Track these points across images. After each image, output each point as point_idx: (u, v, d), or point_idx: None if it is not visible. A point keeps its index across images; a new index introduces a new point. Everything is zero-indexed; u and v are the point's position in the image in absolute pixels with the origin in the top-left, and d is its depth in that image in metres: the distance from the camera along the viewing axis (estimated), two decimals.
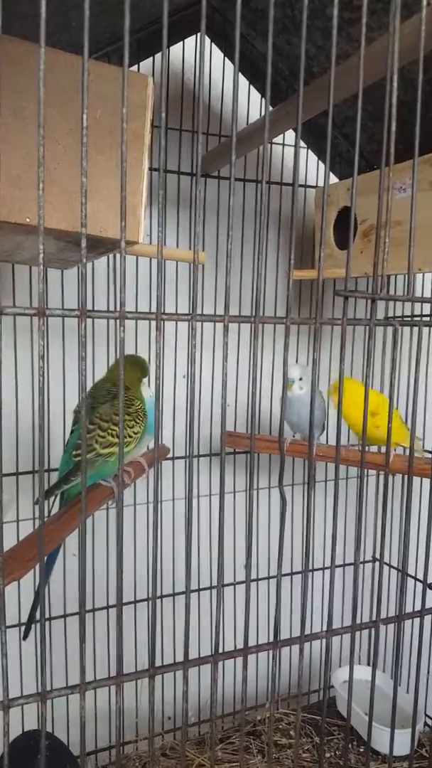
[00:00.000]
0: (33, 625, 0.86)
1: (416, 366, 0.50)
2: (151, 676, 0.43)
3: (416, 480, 1.24)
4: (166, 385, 1.17)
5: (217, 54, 1.11)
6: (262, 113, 1.15)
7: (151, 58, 1.01)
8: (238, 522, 1.29)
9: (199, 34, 1.10)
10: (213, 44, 1.11)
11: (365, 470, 0.61)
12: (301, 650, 0.49)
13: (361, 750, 1.17)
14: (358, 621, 0.51)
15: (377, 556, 1.43)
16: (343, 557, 1.40)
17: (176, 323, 1.16)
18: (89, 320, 0.38)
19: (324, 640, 0.50)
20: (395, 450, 1.06)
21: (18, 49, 0.51)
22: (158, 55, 1.02)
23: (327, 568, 1.37)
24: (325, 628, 0.50)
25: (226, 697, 1.33)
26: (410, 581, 1.24)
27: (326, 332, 1.32)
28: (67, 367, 1.07)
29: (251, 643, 0.47)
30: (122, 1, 0.36)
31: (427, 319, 1.18)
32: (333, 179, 1.21)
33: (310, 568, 1.37)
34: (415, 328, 1.30)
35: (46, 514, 0.83)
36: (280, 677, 1.37)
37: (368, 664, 1.38)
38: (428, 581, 0.54)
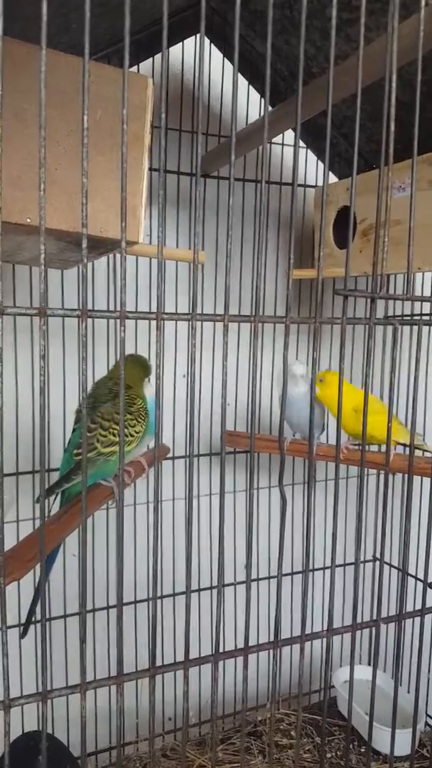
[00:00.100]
0: (33, 625, 0.86)
1: (416, 365, 0.51)
2: (151, 675, 0.43)
3: (416, 479, 1.24)
4: (166, 385, 1.17)
5: (217, 55, 1.11)
6: (262, 113, 1.16)
7: (150, 59, 1.01)
8: (238, 522, 1.29)
9: (198, 35, 1.10)
10: (212, 45, 1.11)
11: (365, 469, 0.61)
12: (302, 650, 0.49)
13: (362, 750, 1.17)
14: (358, 620, 0.51)
15: (377, 555, 1.43)
16: (344, 557, 1.40)
17: (176, 323, 1.16)
18: (89, 320, 0.38)
19: (324, 640, 0.50)
20: (395, 449, 1.06)
21: (19, 50, 0.52)
22: (158, 56, 1.02)
23: (327, 567, 1.37)
24: (325, 628, 0.50)
25: (227, 698, 1.33)
26: (410, 581, 1.24)
27: (326, 331, 1.33)
28: (67, 367, 1.07)
29: (251, 642, 0.47)
30: (122, 2, 0.36)
31: (427, 318, 1.18)
32: (332, 179, 1.21)
33: (311, 567, 1.37)
34: (415, 327, 1.30)
35: (46, 513, 0.83)
36: (280, 677, 1.37)
37: (368, 664, 1.38)
38: (429, 580, 0.55)
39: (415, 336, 0.49)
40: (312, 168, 1.25)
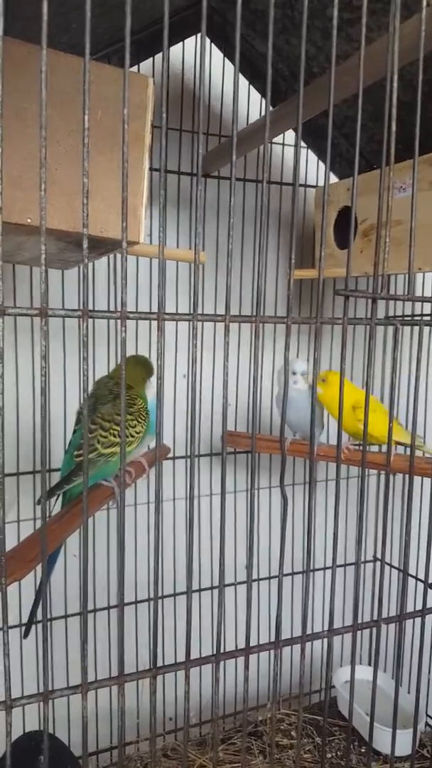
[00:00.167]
0: (34, 626, 0.86)
1: (417, 365, 0.51)
2: (153, 676, 0.43)
3: (416, 479, 1.24)
4: (166, 385, 1.17)
5: (217, 54, 1.11)
6: (262, 113, 1.15)
7: (150, 59, 1.01)
8: (239, 522, 1.29)
9: (198, 35, 1.10)
10: (213, 45, 1.11)
11: (366, 470, 0.61)
12: (303, 650, 0.49)
13: (363, 750, 1.17)
14: (359, 621, 0.51)
15: (378, 555, 1.43)
16: (344, 557, 1.40)
17: (176, 323, 1.16)
18: (90, 320, 0.38)
19: (325, 640, 0.50)
20: (395, 449, 1.06)
21: (19, 50, 0.52)
22: (158, 56, 1.02)
23: (328, 567, 1.37)
24: (326, 628, 0.50)
25: (227, 698, 1.33)
26: (411, 581, 1.24)
27: (326, 331, 1.32)
28: (67, 367, 1.07)
29: (252, 643, 0.47)
30: (122, 2, 0.36)
31: (428, 318, 1.18)
32: (333, 179, 1.21)
33: (312, 568, 1.37)
34: (416, 328, 1.30)
35: (47, 514, 0.83)
36: (280, 677, 1.37)
37: (369, 664, 1.38)
38: (429, 581, 0.54)
39: (416, 336, 0.49)
40: (312, 168, 1.25)
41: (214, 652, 0.46)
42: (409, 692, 1.28)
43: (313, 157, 1.24)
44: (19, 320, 1.03)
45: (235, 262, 1.18)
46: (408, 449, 1.06)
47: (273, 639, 0.49)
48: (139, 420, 0.85)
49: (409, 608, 0.54)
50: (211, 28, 1.08)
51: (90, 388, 0.90)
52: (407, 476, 0.52)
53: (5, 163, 0.44)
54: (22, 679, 1.04)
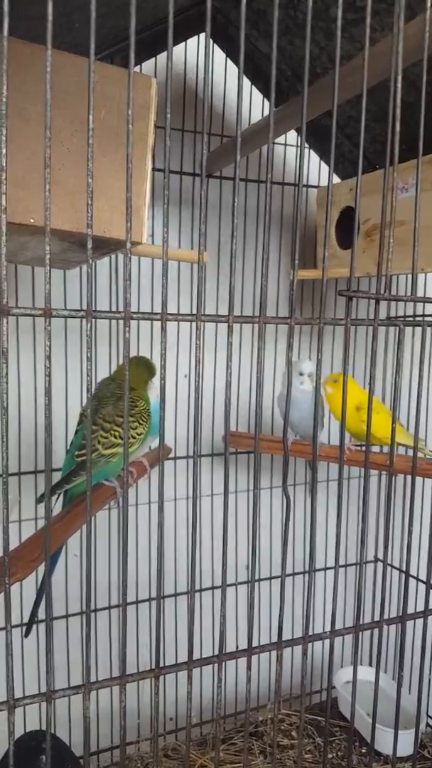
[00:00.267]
0: (36, 625, 0.86)
1: (420, 366, 0.50)
2: (156, 676, 0.43)
3: (418, 480, 1.24)
4: (168, 385, 1.17)
5: (219, 54, 1.11)
6: (265, 113, 1.15)
7: (153, 59, 1.01)
8: (240, 522, 1.29)
9: (201, 35, 1.10)
10: (215, 45, 1.11)
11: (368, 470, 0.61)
12: (304, 651, 0.49)
13: (364, 751, 1.17)
14: (361, 622, 0.51)
15: (380, 556, 1.43)
16: (345, 558, 1.40)
17: (178, 323, 1.16)
18: (93, 320, 0.38)
19: (327, 641, 0.50)
20: (396, 449, 1.06)
21: (23, 50, 0.52)
22: (161, 56, 1.02)
23: (330, 568, 1.37)
24: (328, 629, 0.50)
25: (228, 698, 1.33)
26: (412, 582, 1.24)
27: (328, 332, 1.32)
28: (69, 367, 1.07)
29: (254, 643, 0.47)
30: (125, 3, 0.36)
31: (431, 319, 1.18)
32: (335, 179, 1.21)
33: (313, 568, 1.37)
34: (418, 328, 1.29)
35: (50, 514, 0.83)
36: (282, 678, 1.37)
37: (370, 665, 1.38)
38: (431, 582, 0.54)
39: (418, 337, 0.49)
40: (314, 168, 1.25)
41: (216, 653, 0.46)
42: (410, 693, 1.28)
43: (315, 157, 1.24)
44: (21, 320, 1.03)
45: (237, 262, 1.18)
46: (409, 450, 1.06)
47: (274, 640, 0.48)
48: (141, 422, 0.85)
49: (411, 609, 0.54)
50: (214, 28, 1.08)
51: (93, 389, 0.90)
52: (409, 477, 0.52)
53: (8, 163, 0.44)
54: (23, 679, 1.04)
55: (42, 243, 0.61)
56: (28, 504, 1.06)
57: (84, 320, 0.37)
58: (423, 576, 0.62)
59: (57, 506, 0.87)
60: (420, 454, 1.06)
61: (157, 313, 0.40)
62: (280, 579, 0.48)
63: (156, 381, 0.93)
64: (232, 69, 1.12)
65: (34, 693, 0.41)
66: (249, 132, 0.94)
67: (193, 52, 1.12)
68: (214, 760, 0.95)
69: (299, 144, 0.44)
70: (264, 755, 1.16)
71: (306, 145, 1.20)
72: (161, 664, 0.44)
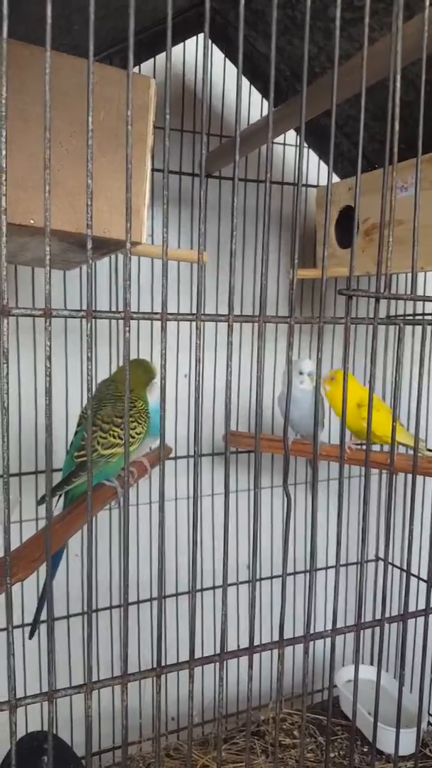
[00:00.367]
0: (38, 626, 0.86)
1: (420, 364, 0.51)
2: (157, 675, 0.44)
3: (419, 479, 1.24)
4: (168, 385, 1.17)
5: (218, 55, 1.11)
6: (263, 113, 1.16)
7: (152, 60, 1.01)
8: (240, 522, 1.29)
9: (199, 36, 1.10)
10: (214, 45, 1.11)
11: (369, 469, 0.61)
12: (306, 650, 0.49)
13: (366, 750, 1.17)
14: (362, 620, 0.51)
15: (381, 555, 1.43)
16: (346, 557, 1.40)
17: (178, 323, 1.16)
18: (93, 320, 0.38)
19: (328, 639, 0.50)
20: (397, 448, 1.06)
21: (22, 52, 0.52)
22: (159, 57, 1.02)
23: (331, 567, 1.37)
24: (329, 627, 0.50)
25: (229, 697, 1.33)
26: (413, 580, 1.24)
27: (328, 331, 1.33)
28: (69, 367, 1.07)
29: (255, 642, 0.47)
30: (124, 4, 0.36)
31: (431, 317, 1.18)
32: (334, 179, 1.21)
33: (314, 567, 1.37)
34: (419, 327, 1.30)
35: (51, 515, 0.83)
36: (284, 677, 1.37)
37: (371, 664, 1.38)
38: None
39: (418, 335, 0.49)
40: (313, 168, 1.25)
41: (218, 652, 0.46)
42: (411, 692, 1.28)
43: (314, 156, 1.24)
44: (21, 321, 1.03)
45: (236, 262, 1.18)
46: (409, 449, 1.06)
47: (275, 638, 0.49)
48: (139, 422, 0.85)
49: (412, 607, 0.54)
50: (213, 28, 1.08)
51: (94, 390, 0.90)
52: (409, 476, 0.52)
53: (8, 164, 0.45)
54: (24, 679, 1.04)
55: (42, 244, 0.61)
56: (29, 504, 1.06)
57: (84, 320, 0.37)
58: (424, 574, 0.62)
59: (58, 507, 0.87)
60: (419, 454, 1.06)
61: (157, 313, 0.41)
62: (281, 578, 0.48)
63: (156, 382, 0.93)
64: (231, 69, 1.13)
65: (36, 693, 0.41)
66: (248, 132, 0.94)
67: (192, 53, 1.12)
68: (216, 760, 0.95)
69: (298, 144, 0.44)
70: (266, 754, 1.16)
71: (305, 144, 1.20)
72: (163, 664, 0.44)
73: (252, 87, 1.14)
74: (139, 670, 0.45)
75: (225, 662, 0.46)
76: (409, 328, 1.28)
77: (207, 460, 1.26)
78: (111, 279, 1.10)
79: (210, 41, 1.10)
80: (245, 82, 1.13)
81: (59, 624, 1.12)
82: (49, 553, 0.41)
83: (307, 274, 1.12)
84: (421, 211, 0.50)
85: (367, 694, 1.16)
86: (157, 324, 1.13)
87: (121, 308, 1.09)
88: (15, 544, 0.68)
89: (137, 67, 1.01)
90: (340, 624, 0.49)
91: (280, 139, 1.24)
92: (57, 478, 0.87)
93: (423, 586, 0.60)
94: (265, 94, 1.12)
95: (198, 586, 1.23)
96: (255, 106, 1.15)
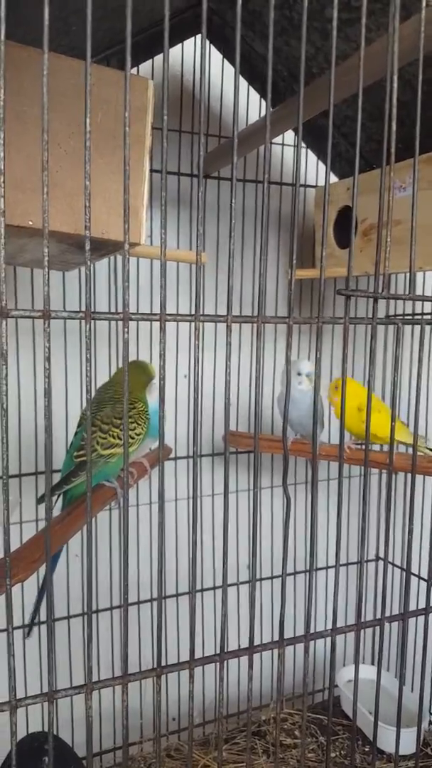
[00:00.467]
0: (37, 626, 0.86)
1: (419, 364, 0.51)
2: (158, 675, 0.44)
3: (419, 478, 1.24)
4: (167, 386, 1.17)
5: (216, 55, 1.11)
6: (261, 114, 1.16)
7: (150, 61, 1.02)
8: (240, 522, 1.29)
9: (197, 36, 1.11)
10: (211, 46, 1.11)
11: (368, 469, 0.61)
12: (306, 649, 0.49)
13: (367, 749, 1.17)
14: (362, 620, 0.51)
15: (381, 554, 1.43)
16: (347, 556, 1.40)
17: (177, 324, 1.16)
18: (92, 321, 0.38)
19: (329, 639, 0.50)
20: (397, 448, 1.06)
21: (20, 54, 0.52)
22: (157, 58, 1.02)
23: (331, 567, 1.37)
24: (329, 627, 0.50)
25: (230, 697, 1.33)
26: (414, 579, 1.24)
27: (327, 331, 1.33)
28: (69, 368, 1.07)
29: (255, 642, 0.47)
30: (122, 5, 0.36)
31: (429, 317, 1.18)
32: (332, 179, 1.21)
33: (314, 567, 1.37)
34: (417, 326, 1.30)
35: (51, 515, 0.83)
36: (284, 677, 1.37)
37: (372, 663, 1.38)
38: None
39: (417, 335, 0.49)
40: (312, 168, 1.25)
41: (219, 651, 0.46)
42: (412, 691, 1.28)
43: (312, 157, 1.24)
44: (20, 322, 1.03)
45: (235, 262, 1.18)
46: (410, 448, 1.06)
47: (276, 638, 0.49)
48: (139, 422, 0.86)
49: (412, 607, 0.55)
50: (210, 29, 1.08)
51: (93, 390, 0.90)
52: (409, 475, 0.52)
53: (7, 165, 0.45)
54: (25, 680, 1.04)
55: (41, 245, 0.61)
56: (28, 505, 1.06)
57: (83, 321, 0.38)
58: (424, 574, 0.62)
59: (57, 508, 0.87)
60: (420, 453, 1.06)
61: (155, 314, 0.41)
62: (281, 578, 0.49)
63: (155, 383, 0.94)
64: (229, 70, 1.13)
65: (36, 693, 0.41)
66: (246, 132, 0.94)
67: (190, 54, 1.12)
68: (217, 760, 0.95)
69: (296, 144, 0.44)
70: (267, 755, 1.16)
71: (303, 144, 1.21)
72: (163, 664, 0.44)
73: (250, 87, 1.14)
74: (140, 671, 0.45)
75: (225, 662, 0.46)
76: (408, 328, 1.28)
77: (207, 461, 1.26)
78: (110, 280, 1.10)
79: (208, 42, 1.10)
80: (243, 82, 1.13)
81: (59, 624, 1.12)
82: (48, 555, 0.41)
83: (306, 274, 1.12)
84: (419, 211, 0.50)
85: (368, 694, 1.16)
86: (157, 324, 1.13)
87: (120, 309, 1.09)
88: (15, 545, 0.69)
89: (135, 69, 1.01)
90: (340, 623, 0.49)
91: (278, 139, 1.24)
92: (57, 479, 0.88)
93: (424, 585, 0.60)
94: (263, 95, 1.12)
95: (198, 587, 1.23)
96: (253, 106, 1.15)
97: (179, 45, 1.08)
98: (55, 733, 1.05)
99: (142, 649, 1.20)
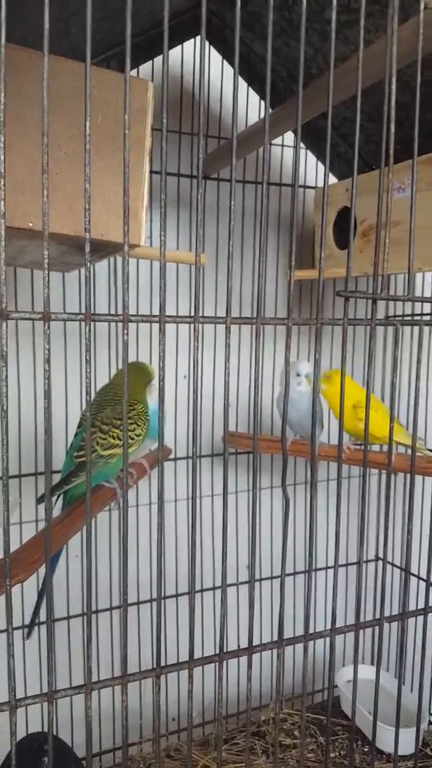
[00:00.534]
0: (37, 627, 0.86)
1: (417, 365, 0.51)
2: (157, 675, 0.44)
3: (417, 478, 1.24)
4: (167, 386, 1.17)
5: (215, 57, 1.11)
6: (261, 115, 1.16)
7: (150, 62, 1.02)
8: (240, 522, 1.29)
9: (197, 38, 1.11)
10: (211, 47, 1.11)
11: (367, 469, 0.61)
12: (305, 649, 0.49)
13: (366, 749, 1.17)
14: (361, 620, 0.51)
15: (380, 555, 1.43)
16: (346, 557, 1.40)
17: (177, 324, 1.16)
18: (91, 323, 0.38)
19: (328, 639, 0.50)
20: (396, 449, 1.06)
21: (20, 56, 0.52)
22: (157, 59, 1.02)
23: (330, 567, 1.37)
24: (329, 627, 0.50)
25: (230, 698, 1.33)
26: (413, 580, 1.24)
27: (326, 332, 1.33)
28: (69, 369, 1.07)
29: (255, 642, 0.47)
30: (122, 7, 0.36)
31: (428, 318, 1.18)
32: (332, 179, 1.21)
33: (314, 567, 1.37)
34: (416, 327, 1.30)
35: (50, 516, 0.83)
36: (284, 677, 1.37)
37: (371, 664, 1.38)
38: (431, 579, 0.55)
39: (416, 336, 0.49)
40: (311, 169, 1.25)
41: (218, 651, 0.46)
42: (411, 691, 1.28)
43: (312, 158, 1.24)
44: (20, 323, 1.03)
45: (235, 264, 1.18)
46: (409, 448, 1.06)
47: (275, 638, 0.49)
48: (138, 423, 0.86)
49: (411, 607, 0.55)
50: (210, 30, 1.08)
51: (93, 392, 0.90)
52: (408, 475, 0.53)
53: (7, 167, 0.45)
54: (25, 681, 1.04)
55: (41, 246, 0.61)
56: (28, 506, 1.06)
57: (83, 323, 0.38)
58: (423, 574, 0.62)
59: (57, 509, 0.87)
60: (419, 453, 1.06)
61: (155, 316, 0.41)
62: (280, 578, 0.49)
63: (155, 383, 0.94)
64: (229, 71, 1.13)
65: (36, 693, 0.41)
66: (246, 134, 0.94)
67: (190, 55, 1.12)
68: (217, 760, 0.95)
69: (296, 145, 0.45)
70: (266, 755, 1.17)
71: (303, 146, 1.21)
72: (162, 664, 0.44)
73: (249, 89, 1.14)
74: (139, 671, 0.45)
75: (225, 662, 0.47)
76: (407, 329, 1.29)
77: (207, 461, 1.26)
78: (110, 281, 1.10)
79: (207, 43, 1.11)
80: (243, 83, 1.13)
81: (59, 625, 1.12)
82: (48, 555, 0.41)
83: (305, 274, 1.12)
84: (418, 212, 0.50)
85: (368, 694, 1.16)
86: (157, 325, 1.13)
87: (120, 310, 1.09)
88: (15, 546, 0.69)
89: (135, 70, 1.01)
90: (340, 624, 0.50)
91: (278, 140, 1.24)
92: (57, 480, 0.88)
93: (423, 585, 0.60)
94: (262, 96, 1.12)
95: (198, 587, 1.23)
96: (253, 107, 1.15)
97: (179, 46, 1.08)
98: (54, 733, 1.06)
99: (142, 650, 1.20)
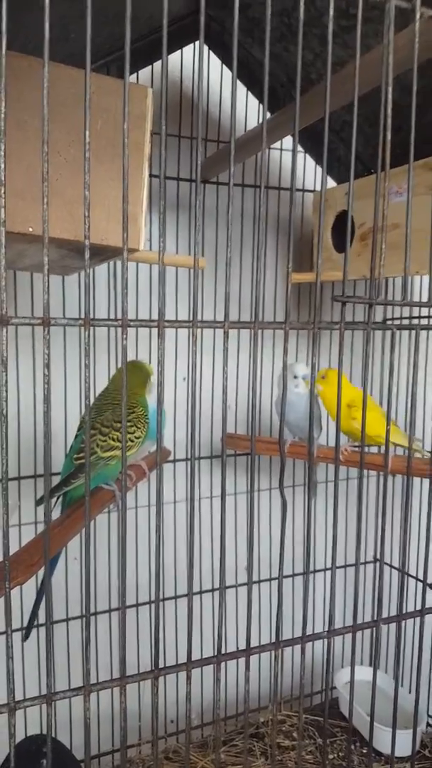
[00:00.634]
0: (36, 628, 0.86)
1: (414, 369, 0.51)
2: (155, 677, 0.44)
3: (416, 480, 1.24)
4: (166, 389, 1.17)
5: (215, 61, 1.12)
6: (260, 120, 1.16)
7: (149, 67, 1.02)
8: (239, 524, 1.30)
9: (196, 43, 1.11)
10: (211, 52, 1.12)
11: (365, 471, 0.62)
12: (303, 651, 0.49)
13: (364, 751, 1.18)
14: (359, 621, 0.51)
15: (378, 556, 1.44)
16: (344, 558, 1.40)
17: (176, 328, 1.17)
18: (91, 328, 0.39)
19: (325, 641, 0.50)
20: (394, 450, 1.07)
21: (21, 63, 0.52)
22: (156, 64, 1.03)
23: (328, 569, 1.38)
24: (326, 629, 0.51)
25: (228, 700, 1.33)
26: (410, 581, 1.24)
27: (324, 335, 1.33)
28: (68, 373, 1.08)
29: (253, 644, 0.47)
30: (121, 13, 0.37)
31: (425, 321, 1.19)
32: (331, 183, 1.22)
33: (311, 569, 1.37)
34: (413, 331, 1.30)
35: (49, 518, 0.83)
36: (282, 679, 1.37)
37: (369, 665, 1.38)
38: (428, 581, 0.55)
39: (412, 340, 0.50)
40: (310, 173, 1.26)
41: (216, 653, 0.47)
42: (409, 692, 1.29)
43: (311, 161, 1.25)
44: (20, 328, 1.03)
45: (234, 266, 1.19)
46: (406, 450, 1.06)
47: (273, 640, 0.49)
48: (138, 426, 0.86)
49: (409, 608, 0.55)
50: (209, 35, 1.08)
51: (92, 396, 0.91)
52: (405, 477, 0.53)
53: (7, 173, 0.45)
54: (24, 683, 1.05)
55: (40, 251, 0.61)
56: (27, 508, 1.06)
57: (82, 328, 0.38)
58: (421, 575, 0.63)
59: (56, 511, 0.88)
60: (418, 455, 1.07)
61: (154, 321, 0.41)
62: (278, 580, 0.49)
63: (154, 382, 0.94)
64: (228, 76, 1.13)
65: (35, 695, 0.41)
66: (245, 138, 0.94)
67: (189, 60, 1.13)
68: (215, 762, 0.95)
69: (293, 150, 0.45)
70: (265, 756, 1.17)
71: (302, 149, 1.21)
72: (161, 665, 0.44)
73: (249, 93, 1.15)
74: (138, 672, 0.45)
75: (223, 664, 0.47)
76: (404, 332, 1.29)
77: (206, 463, 1.26)
78: (109, 284, 1.11)
79: (207, 48, 1.11)
80: (242, 88, 1.14)
81: (58, 627, 1.12)
82: (47, 557, 0.42)
83: (303, 278, 1.12)
84: (415, 216, 0.50)
85: (366, 696, 1.17)
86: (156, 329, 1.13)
87: (119, 314, 1.10)
88: (14, 548, 0.69)
89: (135, 75, 1.02)
90: (338, 625, 0.50)
91: (277, 144, 1.24)
92: (56, 482, 0.88)
93: (420, 586, 0.61)
94: (261, 101, 1.13)
95: (196, 589, 1.23)
96: (252, 112, 1.16)
97: (178, 51, 1.09)
98: (53, 735, 1.06)
99: (140, 651, 1.20)
